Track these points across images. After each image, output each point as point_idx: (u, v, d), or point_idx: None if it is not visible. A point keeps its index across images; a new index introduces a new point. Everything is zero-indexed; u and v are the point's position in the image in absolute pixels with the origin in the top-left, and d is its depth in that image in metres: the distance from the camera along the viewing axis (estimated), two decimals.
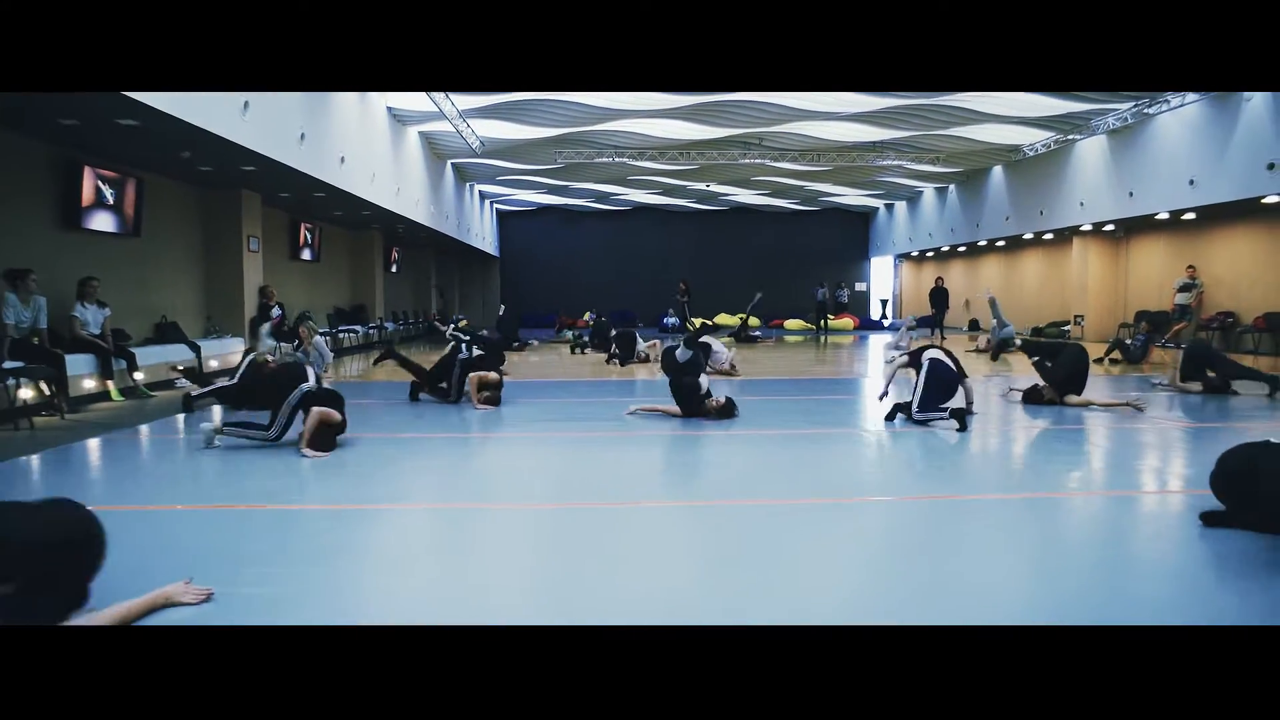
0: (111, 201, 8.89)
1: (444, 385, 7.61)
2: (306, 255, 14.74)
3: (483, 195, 24.54)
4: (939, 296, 18.72)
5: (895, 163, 18.87)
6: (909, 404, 6.32)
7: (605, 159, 18.05)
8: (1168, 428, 6.33)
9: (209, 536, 3.50)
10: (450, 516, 3.91)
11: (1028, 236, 19.60)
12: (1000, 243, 21.50)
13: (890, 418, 6.39)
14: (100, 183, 8.66)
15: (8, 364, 6.67)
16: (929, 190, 24.23)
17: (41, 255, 8.06)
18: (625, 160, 18.45)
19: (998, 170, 19.98)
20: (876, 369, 11.69)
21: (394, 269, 20.40)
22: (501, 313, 19.12)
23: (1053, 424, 6.49)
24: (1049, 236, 19.30)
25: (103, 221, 8.80)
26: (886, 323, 26.29)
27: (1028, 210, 18.59)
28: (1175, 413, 7.13)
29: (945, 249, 24.12)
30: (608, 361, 12.18)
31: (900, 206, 26.76)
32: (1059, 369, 7.29)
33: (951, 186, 22.73)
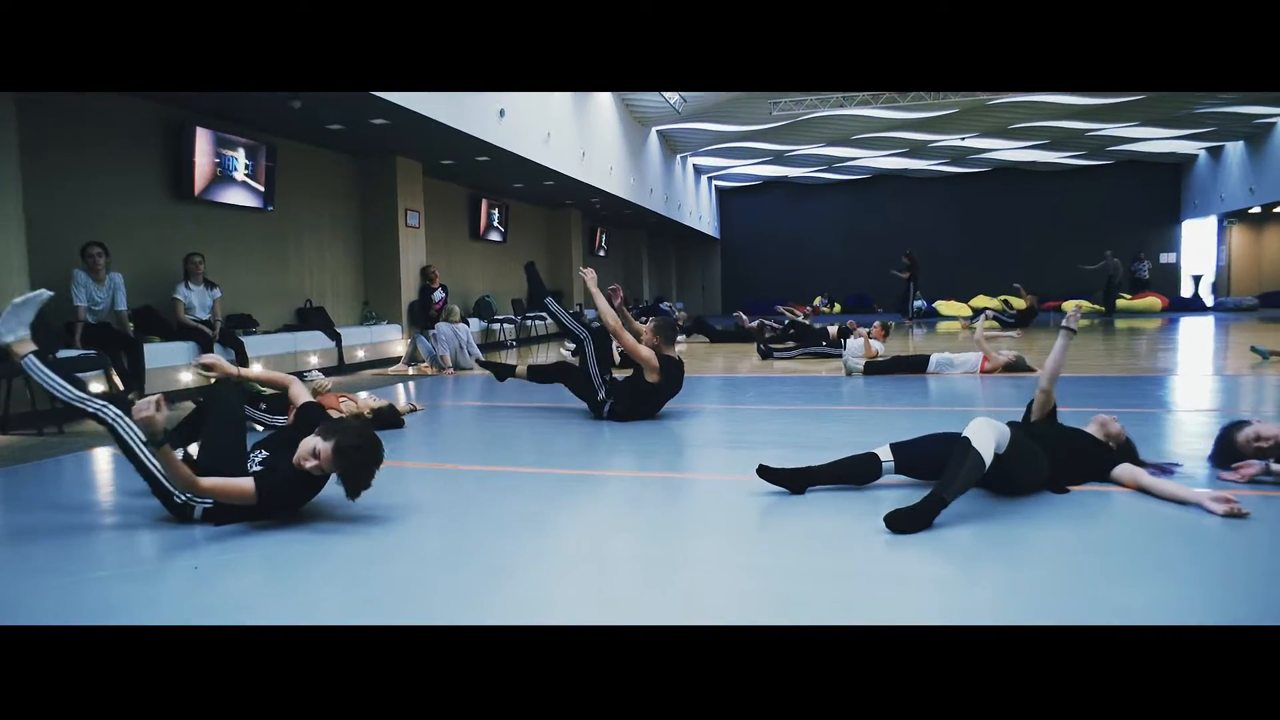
0: (236, 170, 7.84)
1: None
2: (494, 236, 13.51)
3: (698, 170, 22.43)
4: None
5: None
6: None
7: (831, 109, 15.08)
8: None
9: None
10: None
11: None
12: None
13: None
14: (220, 146, 7.61)
15: (63, 353, 5.55)
16: None
17: (151, 230, 7.11)
18: (855, 111, 15.34)
19: None
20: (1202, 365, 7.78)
21: (601, 252, 18.99)
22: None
23: None
24: None
25: (226, 193, 7.75)
26: (1210, 304, 20.28)
27: None
28: None
29: None
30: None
31: (1233, 149, 20.45)
32: None
33: None
